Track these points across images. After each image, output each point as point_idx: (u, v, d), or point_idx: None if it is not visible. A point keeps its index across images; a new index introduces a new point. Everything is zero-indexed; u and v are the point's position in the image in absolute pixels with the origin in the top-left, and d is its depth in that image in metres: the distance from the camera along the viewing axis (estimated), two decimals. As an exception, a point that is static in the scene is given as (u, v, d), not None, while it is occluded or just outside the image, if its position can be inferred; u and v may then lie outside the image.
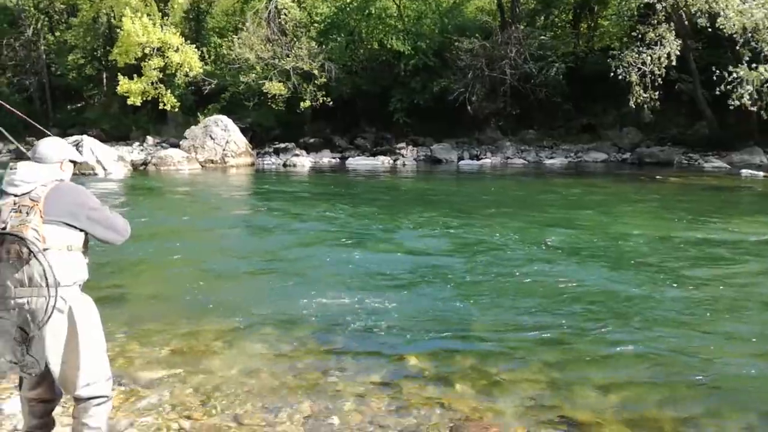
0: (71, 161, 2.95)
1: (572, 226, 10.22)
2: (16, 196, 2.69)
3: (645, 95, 21.94)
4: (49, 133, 3.11)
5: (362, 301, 6.16)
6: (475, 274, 7.32)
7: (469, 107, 25.90)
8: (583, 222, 10.75)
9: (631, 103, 22.29)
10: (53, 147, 2.90)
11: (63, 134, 23.53)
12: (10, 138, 3.41)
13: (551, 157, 25.06)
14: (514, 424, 3.75)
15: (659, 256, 8.11)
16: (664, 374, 4.48)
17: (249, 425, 3.67)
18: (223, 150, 23.94)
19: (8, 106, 3.56)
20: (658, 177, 18.17)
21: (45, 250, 2.63)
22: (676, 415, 3.88)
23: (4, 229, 2.63)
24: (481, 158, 25.33)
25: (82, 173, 18.98)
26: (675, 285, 6.65)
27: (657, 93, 21.85)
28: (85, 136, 21.61)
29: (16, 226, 2.62)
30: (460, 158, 25.52)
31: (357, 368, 4.55)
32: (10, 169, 2.74)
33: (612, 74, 21.82)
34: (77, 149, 23.32)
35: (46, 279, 2.59)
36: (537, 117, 27.44)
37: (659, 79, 21.64)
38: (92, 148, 20.44)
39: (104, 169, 20.14)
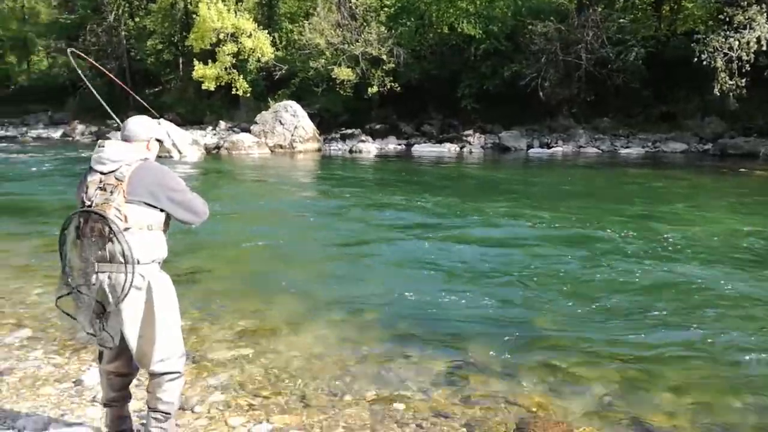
0: (157, 140, 3.03)
1: (674, 221, 9.63)
2: (102, 174, 2.77)
3: (731, 82, 20.75)
4: (153, 111, 3.16)
5: (433, 290, 6.11)
6: (563, 268, 7.00)
7: (541, 93, 25.20)
8: (683, 217, 10.15)
9: (716, 91, 21.12)
10: (143, 125, 2.98)
11: (142, 117, 24.46)
12: (112, 114, 3.51)
13: (627, 147, 24.07)
14: (583, 423, 3.62)
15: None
16: (757, 383, 4.19)
17: (315, 406, 3.71)
18: (292, 135, 24.30)
19: (119, 81, 3.67)
20: (742, 170, 17.17)
21: (126, 229, 2.70)
22: (761, 425, 3.64)
23: (89, 206, 2.71)
24: (552, 146, 24.61)
25: (158, 156, 19.72)
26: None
27: (744, 80, 20.59)
28: (162, 120, 22.39)
29: (100, 204, 2.70)
30: (530, 146, 24.91)
31: (422, 357, 4.52)
32: (99, 146, 2.82)
33: (695, 60, 20.71)
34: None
35: (125, 257, 2.67)
36: (613, 104, 26.40)
37: (747, 65, 20.37)
38: (168, 132, 21.18)
39: (179, 152, 20.81)
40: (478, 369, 4.34)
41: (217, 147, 23.80)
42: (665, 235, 8.48)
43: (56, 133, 32.43)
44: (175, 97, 35.61)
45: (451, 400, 3.86)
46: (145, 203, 2.77)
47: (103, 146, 2.82)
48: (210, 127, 30.07)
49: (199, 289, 6.21)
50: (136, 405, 3.34)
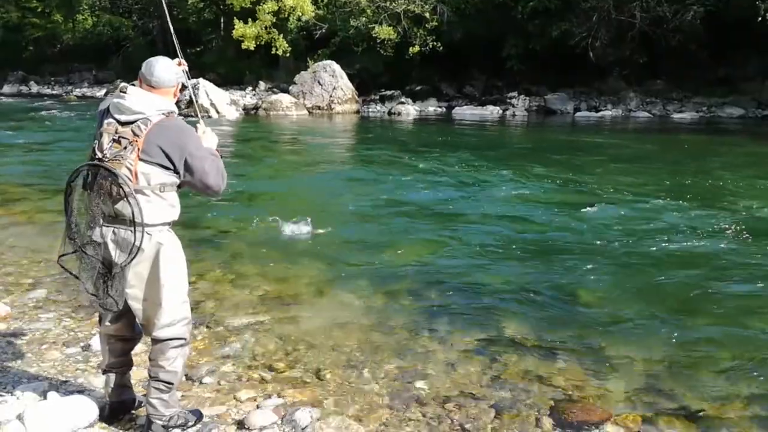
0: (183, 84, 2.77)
1: (735, 192, 8.88)
2: (119, 123, 2.53)
3: (798, 43, 19.34)
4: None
5: (467, 261, 5.79)
6: (610, 241, 6.46)
7: (591, 54, 24.06)
8: (744, 187, 9.30)
9: (780, 52, 19.74)
10: (171, 70, 2.67)
11: (182, 77, 24.44)
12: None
13: (680, 111, 23.01)
14: (624, 409, 3.30)
15: None
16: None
17: (330, 381, 3.46)
18: (330, 96, 23.94)
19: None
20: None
21: (136, 190, 2.48)
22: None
23: (100, 159, 2.50)
24: (601, 110, 23.70)
25: (198, 115, 19.75)
26: None
27: (812, 40, 19.19)
28: (201, 79, 22.36)
29: (112, 160, 2.48)
30: (577, 109, 23.99)
31: (451, 330, 4.22)
32: (121, 91, 2.56)
33: (759, 19, 19.34)
34: (194, 91, 23.78)
35: (134, 219, 2.47)
36: (666, 66, 25.06)
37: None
38: (207, 91, 21.17)
39: (217, 112, 20.83)
40: (511, 346, 4.02)
41: (256, 107, 23.64)
42: (726, 208, 7.88)
43: (100, 92, 32.74)
44: (215, 57, 35.42)
45: (479, 378, 3.56)
46: (161, 165, 2.52)
47: (125, 92, 2.55)
48: (249, 88, 29.90)
49: (226, 249, 6.05)
50: (141, 374, 3.15)
